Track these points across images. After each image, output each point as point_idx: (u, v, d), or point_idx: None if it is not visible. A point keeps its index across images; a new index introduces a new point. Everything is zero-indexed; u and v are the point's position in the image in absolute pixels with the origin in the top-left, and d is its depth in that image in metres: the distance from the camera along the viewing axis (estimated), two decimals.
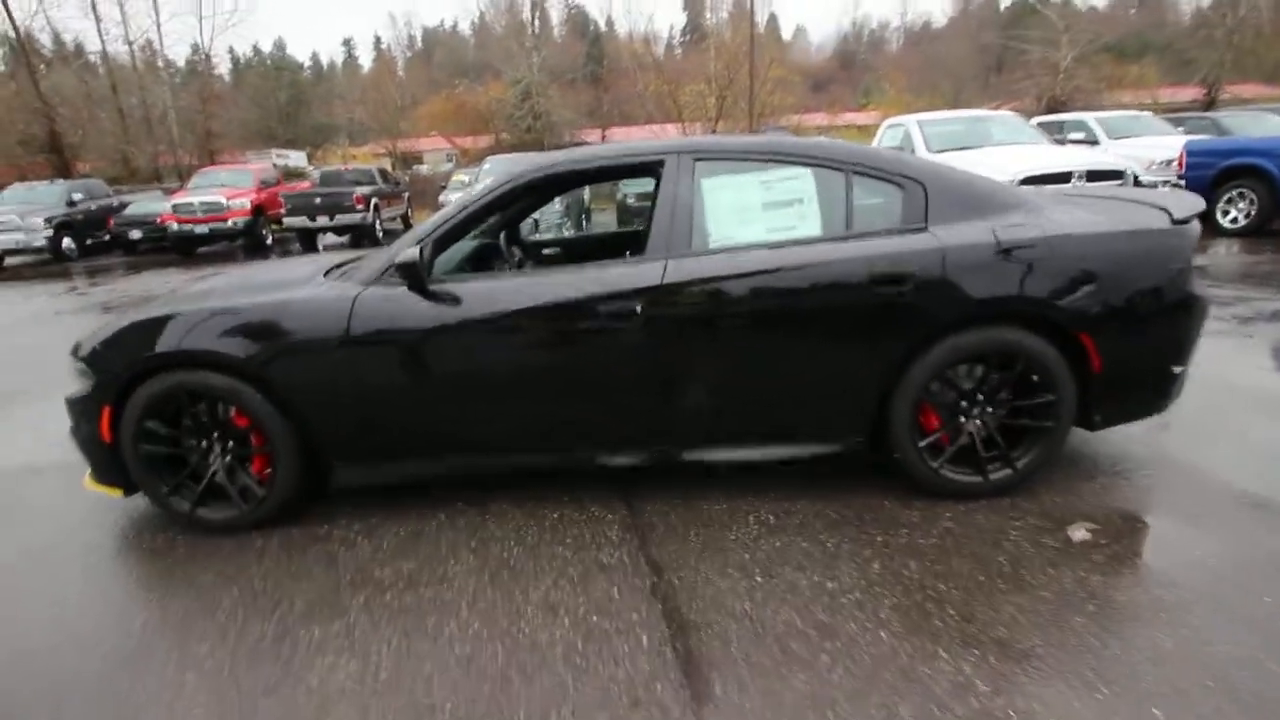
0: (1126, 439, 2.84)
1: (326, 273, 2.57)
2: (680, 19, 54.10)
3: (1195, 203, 2.45)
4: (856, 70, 51.37)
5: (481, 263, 2.91)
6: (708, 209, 2.32)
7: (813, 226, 2.31)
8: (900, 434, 2.36)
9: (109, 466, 2.51)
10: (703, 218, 2.31)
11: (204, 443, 2.48)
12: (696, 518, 2.43)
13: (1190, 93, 30.62)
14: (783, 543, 2.24)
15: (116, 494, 2.58)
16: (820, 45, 59.91)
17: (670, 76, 32.61)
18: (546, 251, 3.70)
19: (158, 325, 2.40)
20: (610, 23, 46.12)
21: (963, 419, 2.40)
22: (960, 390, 2.37)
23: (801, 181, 2.33)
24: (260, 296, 2.39)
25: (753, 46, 23.54)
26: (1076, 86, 29.42)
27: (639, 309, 2.23)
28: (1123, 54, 33.01)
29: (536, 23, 34.52)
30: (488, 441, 2.43)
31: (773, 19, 47.53)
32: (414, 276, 2.22)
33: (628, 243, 3.57)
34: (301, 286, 2.42)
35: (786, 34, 55.77)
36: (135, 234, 14.98)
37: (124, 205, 15.84)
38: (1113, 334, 2.28)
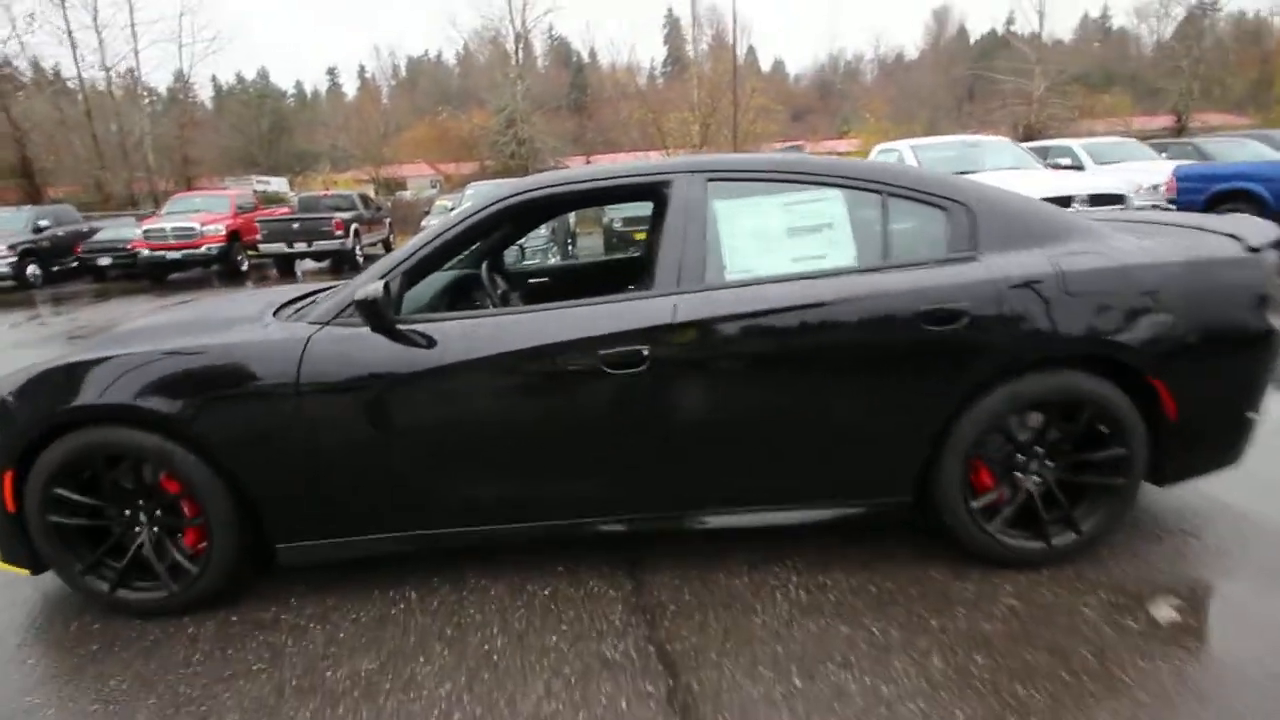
0: (1179, 488, 2.53)
1: (277, 310, 2.21)
2: (661, 52, 54.98)
3: (1268, 229, 2.19)
4: (834, 100, 52.55)
5: (460, 297, 2.56)
6: (724, 236, 2.01)
7: (845, 255, 2.01)
8: (950, 494, 2.03)
9: (12, 540, 2.10)
10: (718, 246, 2.00)
11: (127, 512, 2.08)
12: (714, 594, 2.06)
13: (1160, 121, 31.47)
14: (820, 628, 1.88)
15: (24, 573, 2.16)
16: (798, 76, 61.32)
17: (653, 104, 32.84)
18: (534, 281, 3.37)
19: (73, 374, 2.01)
20: (593, 54, 46.63)
21: (1019, 475, 2.08)
22: (1017, 443, 2.06)
23: (831, 204, 2.03)
24: (195, 339, 2.01)
25: (735, 75, 23.74)
26: (1051, 115, 30.13)
27: (646, 352, 1.89)
28: (1090, 85, 34.05)
29: (520, 53, 34.64)
30: (466, 508, 2.06)
31: (751, 51, 48.45)
32: (377, 316, 1.87)
33: (623, 271, 3.26)
34: (245, 327, 2.05)
35: (765, 66, 56.96)
36: (104, 260, 14.60)
37: (94, 231, 15.39)
38: (1188, 377, 1.99)
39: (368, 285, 1.85)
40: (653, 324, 1.90)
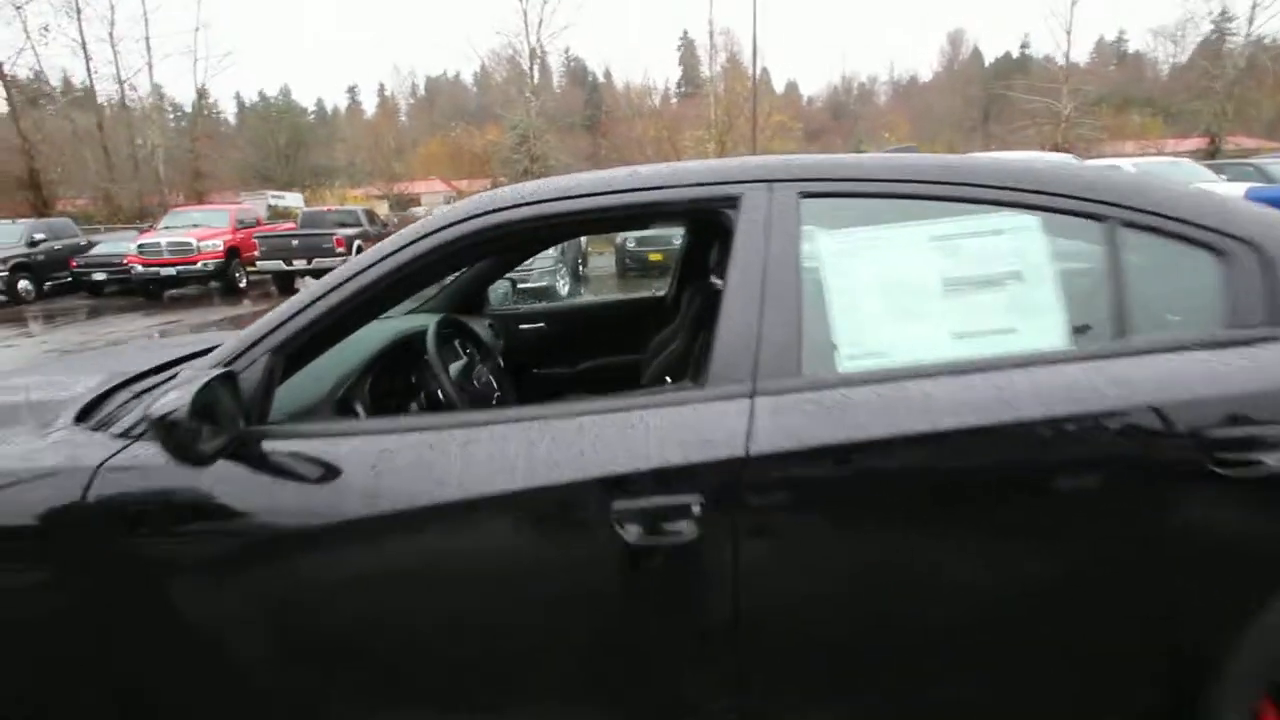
0: None
1: (101, 398, 1.37)
2: (676, 72, 54.98)
3: None
4: (847, 121, 52.25)
5: (398, 374, 1.70)
6: (833, 293, 1.16)
7: (1050, 329, 1.14)
8: None
9: None
10: (824, 311, 1.15)
11: None
12: None
13: (1191, 143, 30.46)
14: None
15: None
16: (811, 98, 61.19)
17: (668, 122, 32.40)
18: (526, 328, 2.54)
19: None
20: (608, 74, 46.60)
21: None
22: None
23: (1020, 237, 1.17)
24: None
25: (755, 92, 23.13)
26: (1079, 135, 29.28)
27: (697, 507, 1.04)
28: (1114, 106, 33.35)
29: (535, 70, 34.39)
30: None
31: (765, 72, 48.26)
32: (187, 450, 1.03)
33: (645, 320, 2.43)
34: (8, 439, 1.21)
35: (779, 87, 56.77)
36: (99, 275, 14.24)
37: (91, 246, 14.96)
38: None
39: (173, 393, 1.00)
40: (709, 457, 1.04)
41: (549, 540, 1.08)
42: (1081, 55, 42.03)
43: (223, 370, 1.06)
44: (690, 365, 1.71)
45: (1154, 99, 35.77)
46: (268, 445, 1.11)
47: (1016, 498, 1.08)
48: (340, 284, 1.15)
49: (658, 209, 1.25)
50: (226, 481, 1.08)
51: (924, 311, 1.15)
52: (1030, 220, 1.18)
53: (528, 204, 1.20)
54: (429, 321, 1.79)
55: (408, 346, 1.70)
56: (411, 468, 1.07)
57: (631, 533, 1.03)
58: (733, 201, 1.20)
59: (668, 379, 1.62)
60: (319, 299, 1.15)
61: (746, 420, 1.06)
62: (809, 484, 1.06)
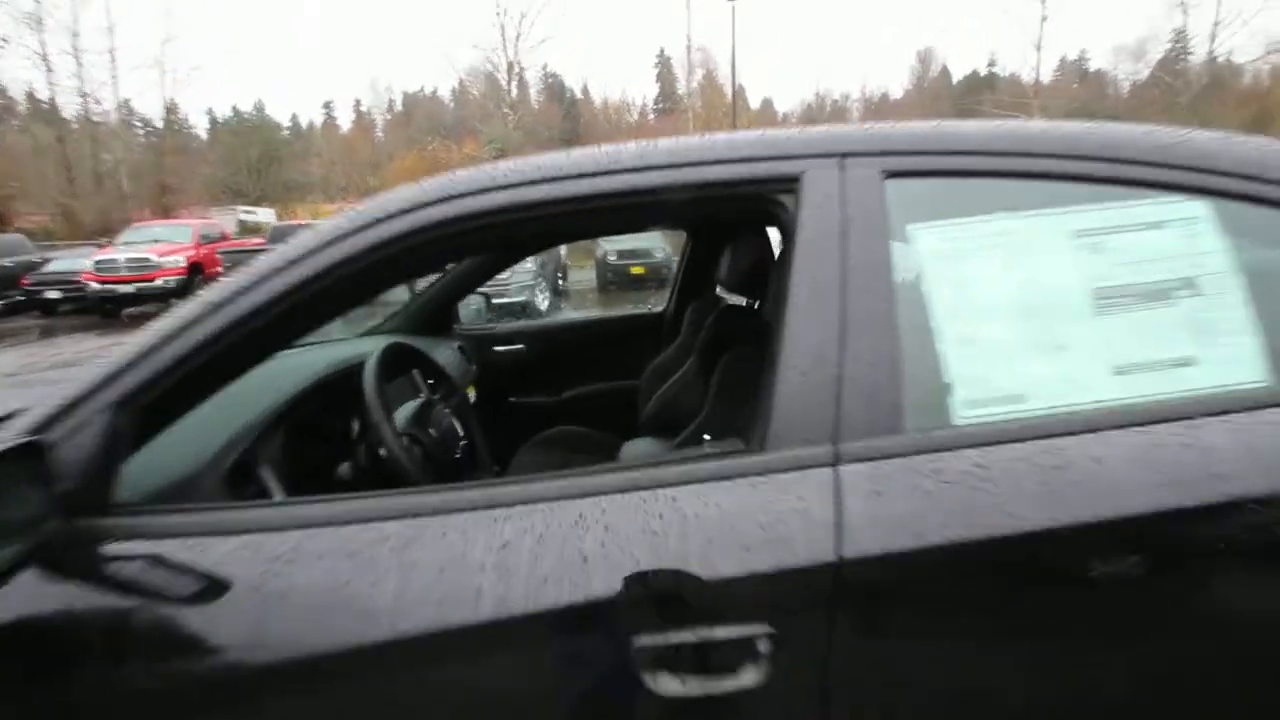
0: None
1: None
2: (653, 90, 55.48)
3: None
4: None
5: (338, 409, 1.31)
6: (940, 313, 0.82)
7: (1241, 358, 0.81)
8: None
9: None
10: (929, 339, 0.80)
11: None
12: None
13: None
14: None
15: None
16: (786, 115, 62.17)
17: (646, 137, 32.63)
18: (500, 349, 2.18)
19: None
20: (586, 90, 46.80)
21: None
22: None
23: (1187, 231, 0.85)
24: None
25: (735, 106, 23.20)
26: None
27: (766, 641, 0.68)
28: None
29: (513, 87, 34.27)
30: None
31: (741, 89, 48.86)
32: None
33: (644, 336, 2.09)
34: None
35: (754, 103, 57.54)
36: (52, 294, 13.54)
37: (45, 263, 14.31)
38: None
39: None
40: (781, 564, 0.69)
41: (536, 700, 0.71)
42: (1045, 73, 43.33)
43: (21, 442, 0.68)
44: (709, 399, 1.36)
45: (1119, 114, 37.04)
46: (110, 549, 0.73)
47: (1230, 610, 0.74)
48: (221, 304, 0.77)
49: (680, 194, 0.89)
50: (35, 605, 0.70)
51: (1070, 336, 0.81)
52: (1199, 208, 0.85)
53: (499, 189, 0.84)
54: (376, 348, 1.41)
55: (347, 382, 1.31)
56: (319, 588, 0.70)
57: (664, 684, 0.67)
58: (789, 184, 0.85)
59: (706, 435, 1.23)
60: (187, 327, 0.77)
61: (832, 503, 0.70)
62: (936, 599, 0.71)
